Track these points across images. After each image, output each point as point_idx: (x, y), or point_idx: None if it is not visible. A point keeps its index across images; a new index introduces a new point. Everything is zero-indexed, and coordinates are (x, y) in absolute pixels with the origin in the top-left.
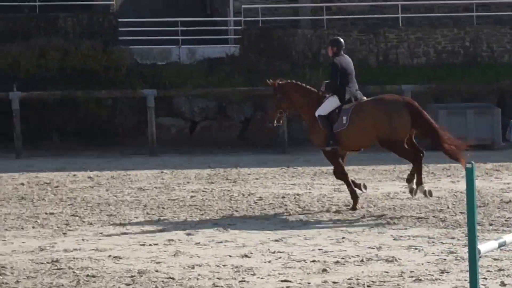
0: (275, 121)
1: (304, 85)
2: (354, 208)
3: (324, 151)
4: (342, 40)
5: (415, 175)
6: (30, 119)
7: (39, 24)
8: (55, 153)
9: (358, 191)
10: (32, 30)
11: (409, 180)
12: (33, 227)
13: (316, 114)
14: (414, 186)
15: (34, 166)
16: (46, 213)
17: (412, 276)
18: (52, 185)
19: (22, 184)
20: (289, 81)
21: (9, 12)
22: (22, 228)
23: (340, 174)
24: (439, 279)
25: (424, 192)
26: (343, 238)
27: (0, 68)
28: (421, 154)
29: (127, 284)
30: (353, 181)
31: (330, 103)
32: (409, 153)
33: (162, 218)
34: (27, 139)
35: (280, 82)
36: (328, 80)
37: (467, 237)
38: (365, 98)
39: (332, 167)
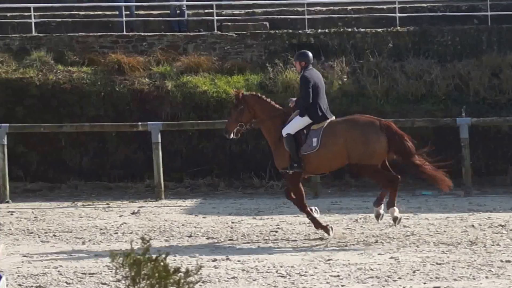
0: (232, 134)
1: (269, 100)
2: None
3: (284, 174)
4: (310, 53)
5: (389, 198)
6: (480, 150)
7: (491, 38)
8: (510, 190)
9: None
10: (482, 44)
11: (377, 203)
12: (486, 277)
13: (284, 132)
14: (382, 211)
15: (485, 205)
16: (501, 261)
17: None
18: (508, 228)
19: (473, 226)
20: (254, 93)
21: (456, 24)
22: (474, 278)
23: (299, 202)
24: None
25: (394, 219)
26: None
27: (446, 89)
28: (398, 177)
29: None
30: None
31: (300, 121)
32: (384, 178)
33: None
34: (476, 173)
35: (245, 93)
36: (297, 97)
37: None
38: (333, 117)
39: None
